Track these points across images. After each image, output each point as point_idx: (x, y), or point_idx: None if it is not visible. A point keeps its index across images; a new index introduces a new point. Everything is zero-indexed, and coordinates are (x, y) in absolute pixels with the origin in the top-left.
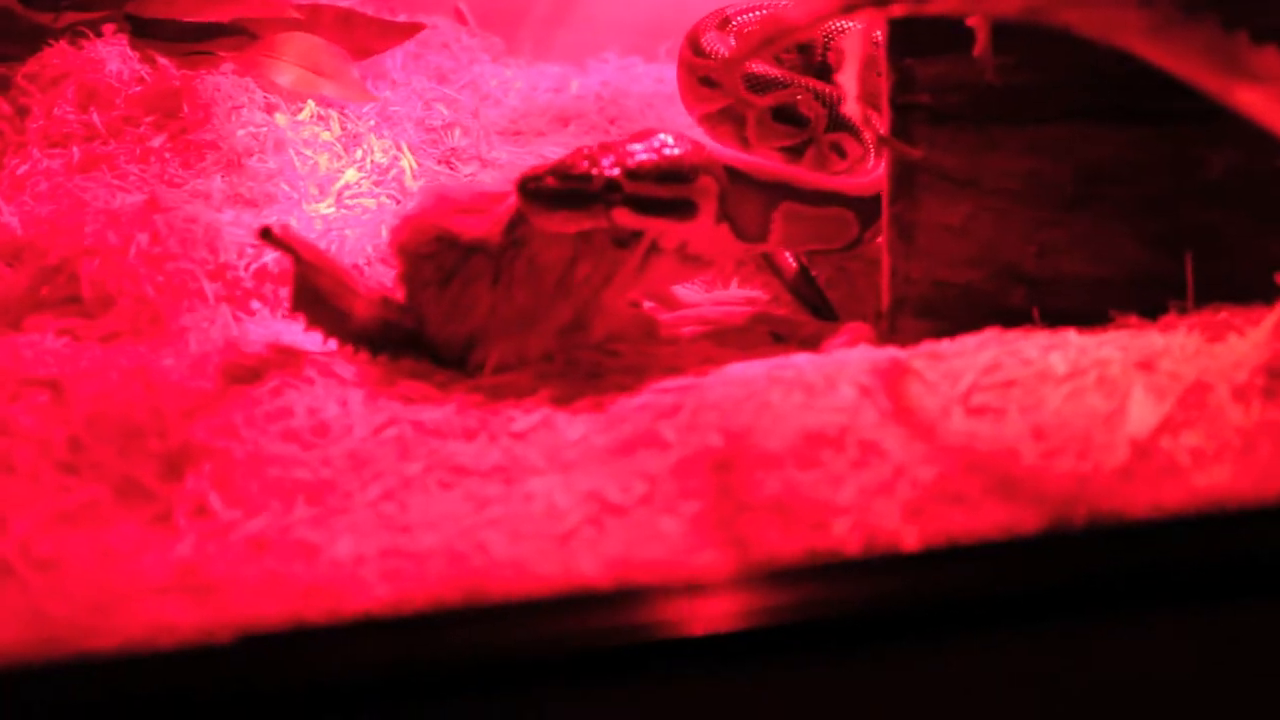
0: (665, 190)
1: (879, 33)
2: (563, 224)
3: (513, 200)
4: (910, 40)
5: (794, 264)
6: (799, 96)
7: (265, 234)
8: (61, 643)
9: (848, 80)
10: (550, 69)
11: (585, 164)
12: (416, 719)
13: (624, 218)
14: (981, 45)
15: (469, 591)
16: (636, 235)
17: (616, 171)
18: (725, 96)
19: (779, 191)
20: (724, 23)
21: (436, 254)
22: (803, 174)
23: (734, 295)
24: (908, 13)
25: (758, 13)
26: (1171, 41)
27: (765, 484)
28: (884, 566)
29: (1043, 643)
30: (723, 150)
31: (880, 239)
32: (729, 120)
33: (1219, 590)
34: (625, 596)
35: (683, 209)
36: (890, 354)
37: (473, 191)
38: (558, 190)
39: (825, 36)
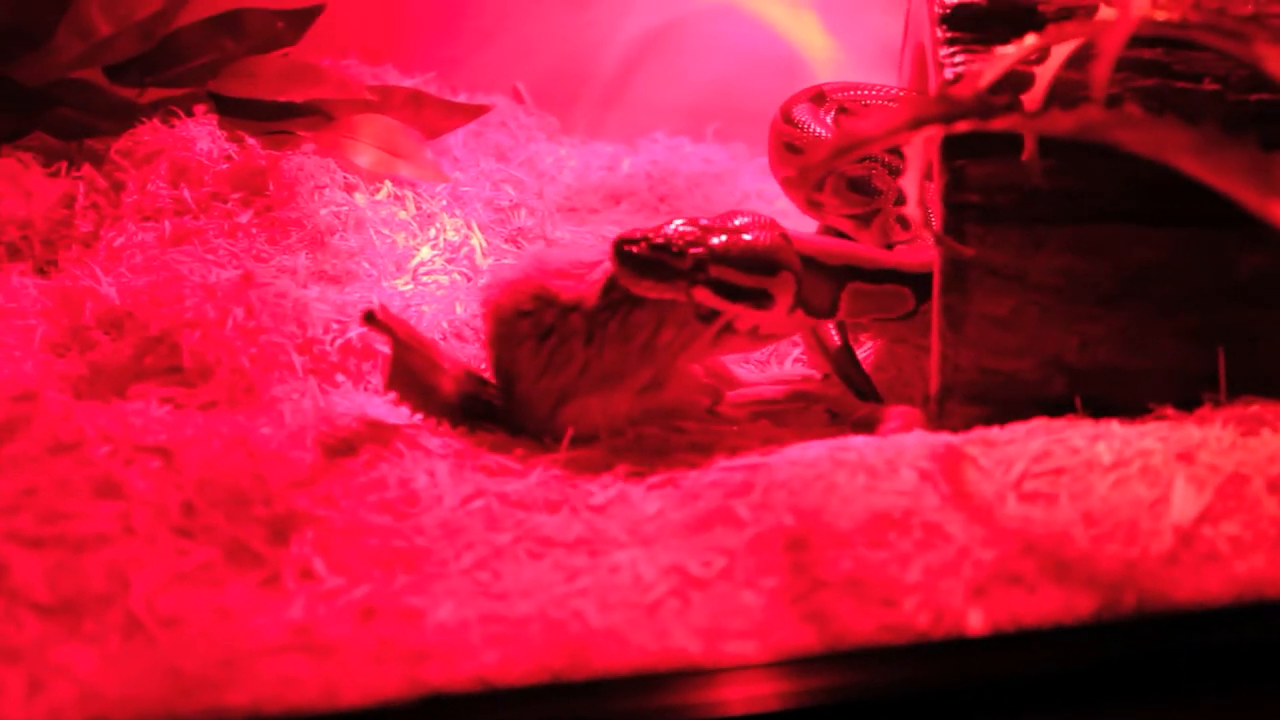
0: (747, 279)
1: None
2: (648, 290)
3: (606, 266)
4: (963, 143)
5: (837, 341)
6: (873, 170)
7: (369, 317)
8: (195, 696)
9: (910, 184)
10: (602, 148)
11: (682, 240)
12: None
13: (704, 297)
14: (1029, 150)
15: (571, 658)
16: (716, 314)
17: (704, 252)
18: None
19: (846, 273)
20: (819, 97)
21: (535, 312)
22: (865, 252)
23: (790, 375)
24: (971, 129)
25: (852, 92)
26: (1215, 160)
27: (838, 562)
28: (951, 649)
29: None
30: (799, 235)
31: (933, 322)
32: (806, 184)
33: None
34: (717, 674)
35: (760, 299)
36: (946, 440)
37: (567, 259)
38: (648, 259)
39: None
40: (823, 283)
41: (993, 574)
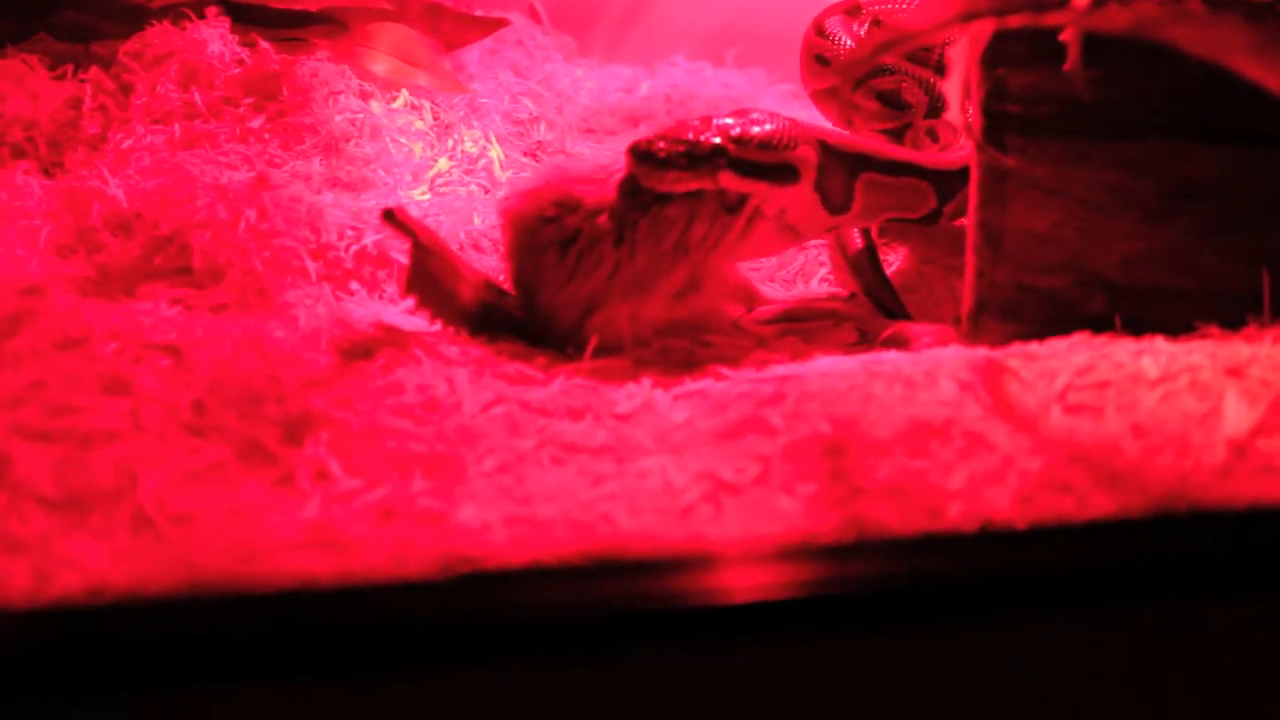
0: (769, 156)
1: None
2: (671, 184)
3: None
4: (1003, 51)
5: (859, 243)
6: (904, 84)
7: (389, 215)
8: (212, 587)
9: (953, 89)
10: (620, 70)
11: (692, 132)
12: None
13: (729, 180)
14: (1073, 60)
15: (601, 556)
16: (743, 201)
17: (721, 139)
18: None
19: (859, 162)
20: (854, 10)
21: (559, 218)
22: (881, 145)
23: (817, 293)
24: (1025, 23)
25: (889, 5)
26: (1276, 60)
27: (877, 469)
28: (998, 541)
29: (1146, 620)
30: (809, 123)
31: (966, 231)
32: (837, 98)
33: None
34: (748, 559)
35: (785, 174)
36: (984, 353)
37: (589, 164)
38: (669, 152)
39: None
40: (837, 170)
41: (1040, 482)
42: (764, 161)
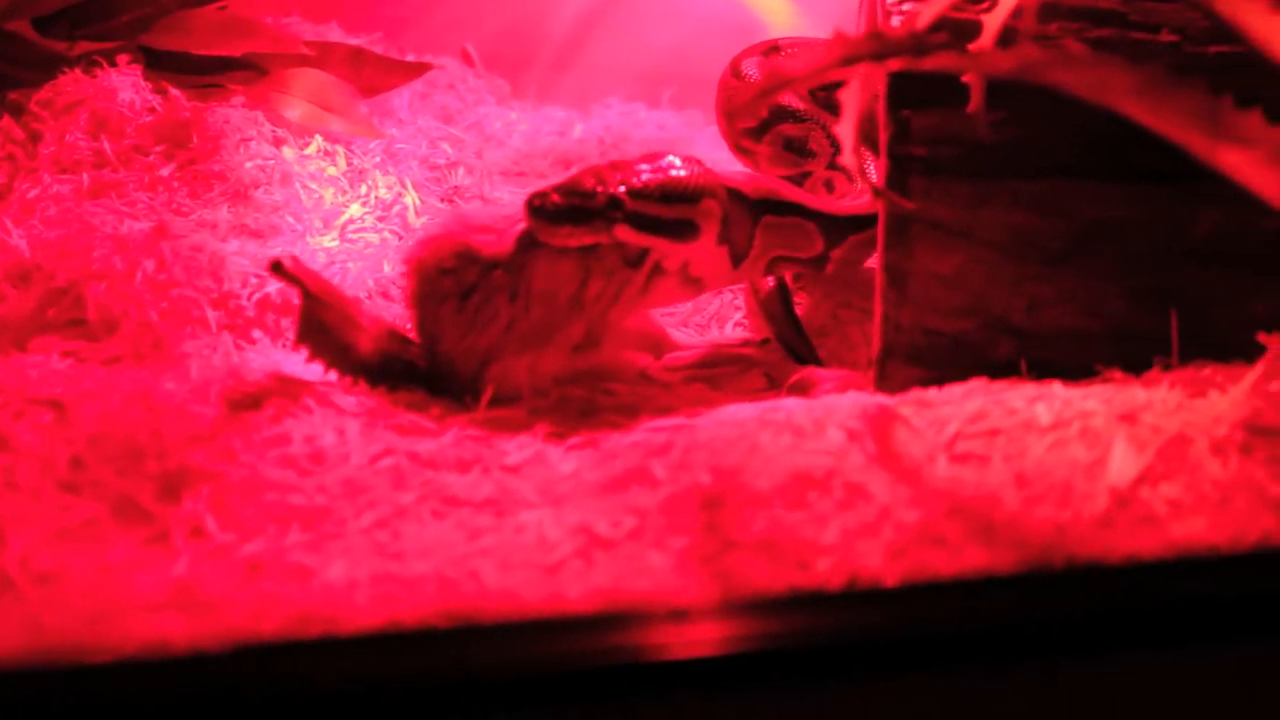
0: (668, 210)
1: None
2: (566, 238)
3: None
4: (907, 92)
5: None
6: (812, 132)
7: (275, 266)
8: (58, 653)
9: (845, 130)
10: (554, 112)
11: (592, 181)
12: None
13: (626, 234)
14: (976, 101)
15: (459, 617)
16: (643, 255)
17: (621, 189)
18: (747, 119)
19: (762, 206)
20: (771, 50)
21: (457, 269)
22: (780, 185)
23: (728, 339)
24: (904, 67)
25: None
26: (1159, 103)
27: (752, 522)
28: (864, 601)
29: (1016, 680)
30: (723, 171)
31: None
32: (751, 140)
33: (1190, 633)
34: (608, 621)
35: (685, 229)
36: (878, 400)
37: (491, 214)
38: (562, 206)
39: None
40: (744, 216)
41: (914, 536)
42: (663, 216)
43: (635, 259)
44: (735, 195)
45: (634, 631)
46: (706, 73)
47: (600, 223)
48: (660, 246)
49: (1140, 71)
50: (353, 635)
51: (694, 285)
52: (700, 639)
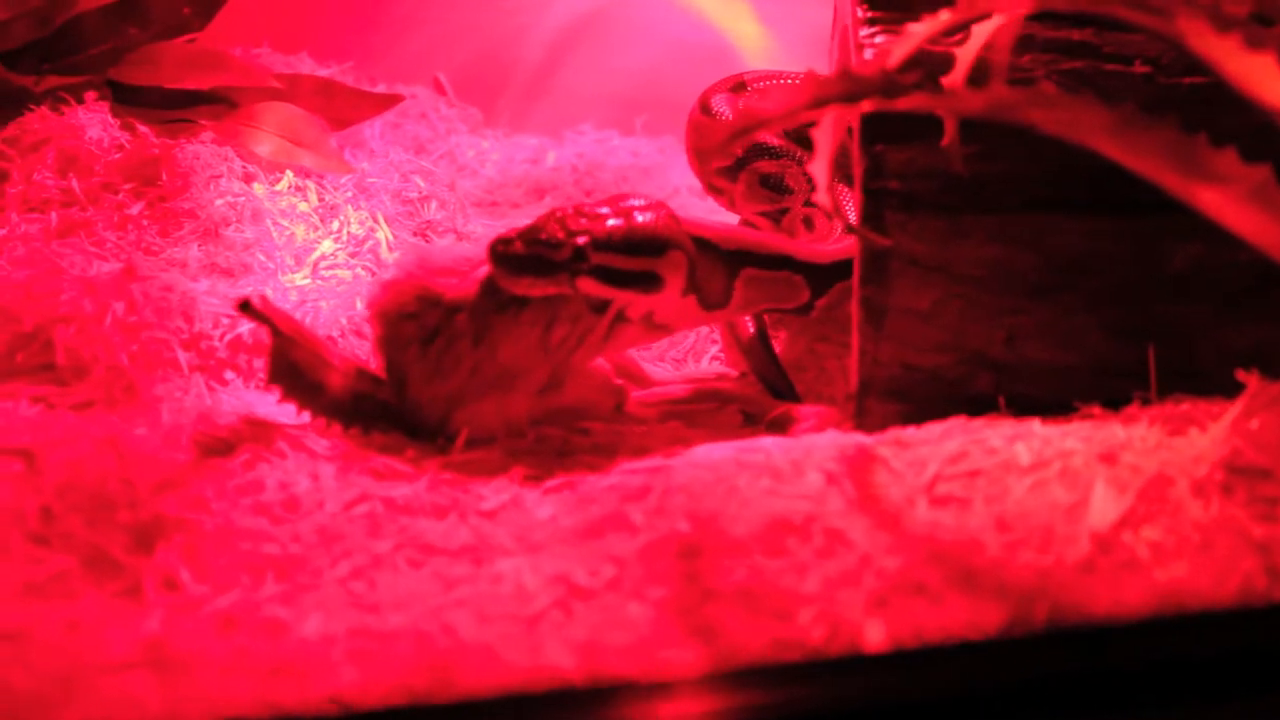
0: (632, 263)
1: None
2: (528, 288)
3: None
4: (882, 127)
5: (751, 331)
6: (788, 169)
7: (244, 306)
8: (25, 715)
9: (819, 168)
10: (527, 141)
11: (556, 229)
12: None
13: (589, 287)
14: (950, 135)
15: (435, 677)
16: (607, 304)
17: (584, 240)
18: (720, 158)
19: (740, 258)
20: (738, 86)
21: (419, 314)
22: (760, 238)
23: (705, 373)
24: (876, 109)
25: (775, 81)
26: (1133, 141)
27: (731, 571)
28: (849, 668)
29: None
30: (694, 219)
31: (853, 315)
32: (722, 178)
33: (1181, 691)
34: (591, 695)
35: (649, 282)
36: (857, 441)
37: (453, 255)
38: (525, 255)
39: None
40: (717, 268)
41: (895, 584)
42: (627, 269)
43: (599, 306)
44: (705, 245)
45: (617, 706)
46: (679, 97)
47: (563, 275)
48: (624, 299)
49: (1113, 110)
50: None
51: (661, 330)
52: (685, 713)
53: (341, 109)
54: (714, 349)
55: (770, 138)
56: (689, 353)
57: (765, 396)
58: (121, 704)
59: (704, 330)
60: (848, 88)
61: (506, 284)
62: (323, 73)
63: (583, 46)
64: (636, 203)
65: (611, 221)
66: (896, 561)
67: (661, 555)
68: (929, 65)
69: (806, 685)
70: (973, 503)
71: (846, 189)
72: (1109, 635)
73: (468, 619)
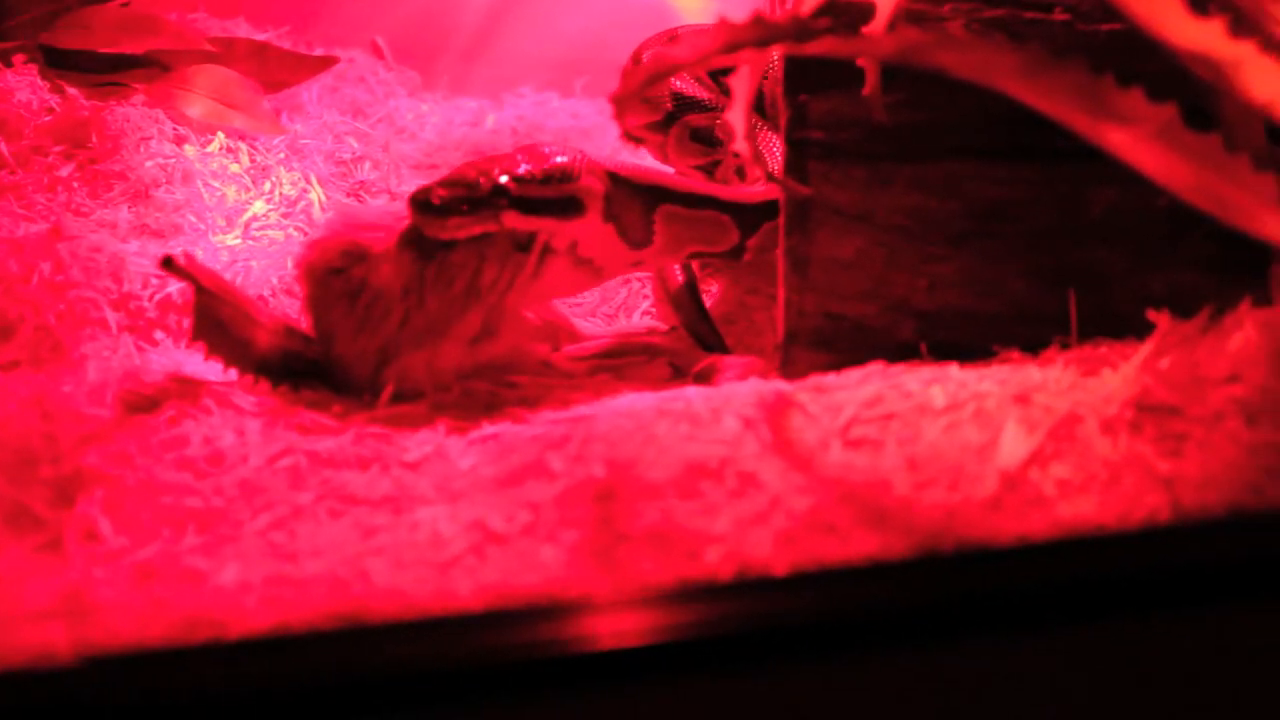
0: (550, 190)
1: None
2: (454, 230)
3: None
4: (805, 77)
5: (680, 280)
6: (718, 120)
7: (167, 263)
8: None
9: (736, 117)
10: (466, 103)
11: (473, 173)
12: None
13: (513, 220)
14: (871, 84)
15: (347, 617)
16: (532, 238)
17: (504, 178)
18: (642, 109)
19: (657, 194)
20: (672, 39)
21: (346, 269)
22: (679, 179)
23: (635, 328)
24: (787, 53)
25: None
26: (1042, 83)
27: (644, 514)
28: (753, 590)
29: (903, 667)
30: (607, 157)
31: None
32: (655, 133)
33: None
34: (494, 619)
35: (569, 207)
36: (775, 387)
37: (381, 212)
38: (448, 198)
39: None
40: (633, 202)
41: (805, 523)
42: (546, 196)
43: (525, 243)
44: (619, 180)
45: (518, 628)
46: (618, 59)
47: (487, 211)
48: (547, 227)
49: (1021, 52)
50: (239, 639)
51: (589, 269)
52: (587, 633)
53: (276, 72)
54: (645, 304)
55: (701, 91)
56: (620, 308)
57: (694, 349)
58: (36, 651)
59: (635, 285)
60: (759, 33)
61: (432, 230)
62: (259, 37)
63: (522, 8)
64: (547, 147)
65: (526, 160)
66: (807, 502)
67: (577, 501)
68: (852, 15)
69: (705, 606)
70: (885, 444)
71: (776, 135)
72: (1007, 558)
73: (383, 565)
